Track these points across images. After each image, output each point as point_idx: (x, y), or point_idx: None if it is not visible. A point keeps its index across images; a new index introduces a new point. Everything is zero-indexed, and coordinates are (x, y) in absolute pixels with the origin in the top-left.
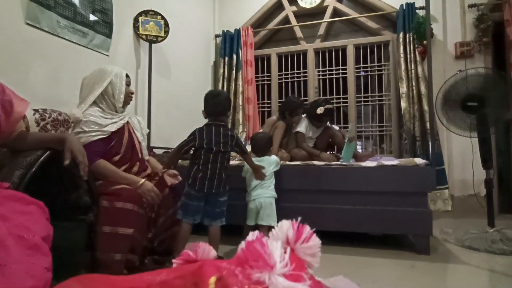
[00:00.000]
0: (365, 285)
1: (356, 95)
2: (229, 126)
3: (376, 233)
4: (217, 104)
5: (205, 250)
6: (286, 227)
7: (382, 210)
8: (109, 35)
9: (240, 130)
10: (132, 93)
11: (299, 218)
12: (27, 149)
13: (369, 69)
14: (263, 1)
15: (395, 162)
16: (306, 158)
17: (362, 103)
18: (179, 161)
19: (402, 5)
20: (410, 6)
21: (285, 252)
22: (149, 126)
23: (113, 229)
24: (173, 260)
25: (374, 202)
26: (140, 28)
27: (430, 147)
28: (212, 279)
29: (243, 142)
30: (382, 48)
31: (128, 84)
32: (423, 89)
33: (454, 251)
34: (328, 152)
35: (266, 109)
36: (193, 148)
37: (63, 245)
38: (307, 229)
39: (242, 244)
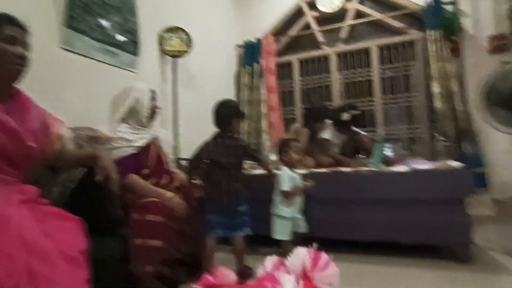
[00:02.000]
0: None
1: (382, 97)
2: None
3: (413, 244)
4: (219, 115)
5: (225, 274)
6: (302, 254)
7: (416, 218)
8: (136, 53)
9: (264, 138)
10: (157, 108)
11: (315, 245)
12: (64, 166)
13: (395, 69)
14: (283, 9)
15: (428, 165)
16: (333, 165)
17: (389, 105)
18: None
19: (427, 1)
20: (436, 2)
21: (298, 284)
22: (176, 139)
23: (144, 241)
24: (192, 285)
25: (407, 209)
26: (165, 45)
27: (467, 148)
28: None
29: (268, 150)
30: (408, 47)
31: (153, 99)
32: (455, 87)
33: (499, 260)
34: (355, 158)
35: (290, 115)
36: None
37: (99, 258)
38: (324, 256)
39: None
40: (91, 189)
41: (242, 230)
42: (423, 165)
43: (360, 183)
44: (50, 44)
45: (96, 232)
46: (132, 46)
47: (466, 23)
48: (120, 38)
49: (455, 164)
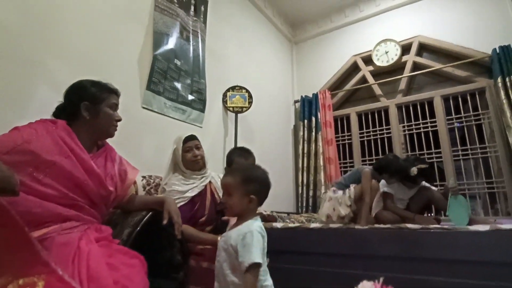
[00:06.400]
0: None
1: (452, 149)
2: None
3: None
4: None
5: None
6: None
7: (497, 285)
8: (203, 110)
9: (323, 191)
10: (197, 156)
11: (382, 279)
12: (135, 210)
13: (464, 119)
14: (338, 65)
15: None
16: (397, 222)
17: (461, 157)
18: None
19: (495, 49)
20: (505, 48)
21: None
22: None
23: None
24: None
25: (486, 275)
26: (228, 102)
27: None
28: None
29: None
30: (477, 96)
31: (195, 147)
32: None
33: None
34: (425, 215)
35: (348, 168)
36: None
37: None
38: None
39: None
40: (155, 232)
41: None
42: (509, 224)
43: (429, 242)
44: (134, 104)
45: (156, 275)
46: (199, 104)
47: None
48: (190, 97)
49: None
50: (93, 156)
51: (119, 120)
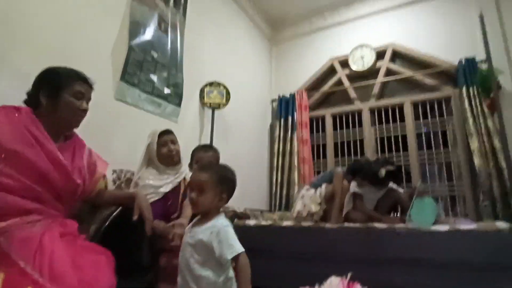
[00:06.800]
0: None
1: (418, 152)
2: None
3: None
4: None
5: None
6: (335, 284)
7: (455, 285)
8: (179, 104)
9: (296, 190)
10: (172, 151)
11: (349, 275)
12: (104, 205)
13: (430, 125)
14: (316, 67)
15: (472, 226)
16: (365, 222)
17: (426, 161)
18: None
19: (461, 60)
20: (470, 60)
21: None
22: None
23: (169, 287)
24: None
25: (445, 274)
26: (205, 97)
27: None
28: None
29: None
30: (444, 104)
31: (170, 142)
32: (497, 143)
33: None
34: (391, 215)
35: (322, 168)
36: None
37: None
38: (357, 287)
39: None
40: (124, 228)
41: None
42: (467, 225)
43: (394, 241)
44: (107, 96)
45: (123, 275)
46: (175, 98)
47: (503, 80)
48: (166, 90)
49: (502, 225)
50: (60, 147)
51: (84, 110)
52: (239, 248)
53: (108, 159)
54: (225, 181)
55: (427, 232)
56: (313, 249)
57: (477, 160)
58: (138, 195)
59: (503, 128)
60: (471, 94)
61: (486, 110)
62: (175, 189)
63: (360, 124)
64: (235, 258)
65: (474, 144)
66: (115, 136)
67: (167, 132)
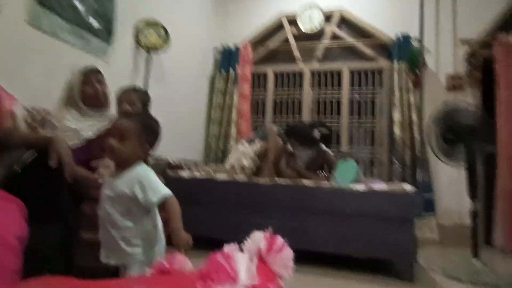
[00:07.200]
0: None
1: (349, 118)
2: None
3: (361, 257)
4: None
5: (181, 262)
6: (258, 238)
7: (368, 233)
8: (108, 40)
9: (232, 144)
10: (99, 92)
11: (271, 229)
12: (13, 147)
13: (363, 93)
14: (263, 20)
15: (384, 187)
16: (294, 178)
17: (355, 127)
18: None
19: (398, 35)
20: (405, 36)
21: (252, 262)
22: None
23: (92, 235)
24: (147, 269)
25: (360, 225)
26: (140, 37)
27: (420, 174)
28: None
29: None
30: (377, 74)
31: (96, 81)
32: (415, 117)
33: (439, 281)
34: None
35: (259, 124)
36: None
37: (37, 248)
38: (279, 240)
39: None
40: (39, 174)
41: None
42: (380, 185)
43: (318, 196)
44: (16, 20)
45: (39, 220)
46: (105, 33)
47: (429, 59)
48: (93, 21)
49: (408, 187)
50: None
51: None
52: (165, 191)
53: (19, 94)
54: (151, 131)
55: (347, 189)
56: (246, 201)
57: (396, 130)
58: (56, 138)
59: (422, 104)
60: (401, 69)
61: (410, 85)
62: (100, 136)
63: (301, 85)
64: (164, 203)
65: (396, 116)
66: (29, 68)
67: (94, 69)
